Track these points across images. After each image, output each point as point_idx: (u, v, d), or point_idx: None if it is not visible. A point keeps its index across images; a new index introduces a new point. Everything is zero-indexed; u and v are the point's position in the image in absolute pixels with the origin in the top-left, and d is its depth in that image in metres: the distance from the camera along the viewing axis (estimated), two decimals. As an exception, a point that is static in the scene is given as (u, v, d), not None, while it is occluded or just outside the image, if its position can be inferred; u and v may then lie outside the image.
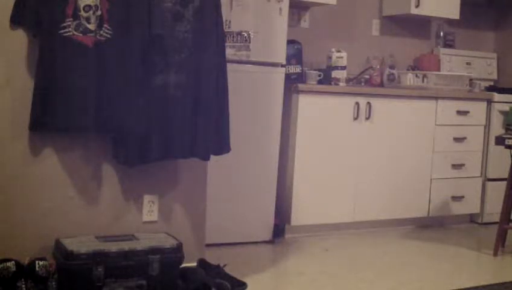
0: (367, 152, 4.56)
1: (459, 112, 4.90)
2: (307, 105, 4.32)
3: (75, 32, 2.86)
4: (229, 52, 3.80)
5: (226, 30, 3.77)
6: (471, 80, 5.15)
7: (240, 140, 3.86)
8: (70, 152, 3.03)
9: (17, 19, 2.84)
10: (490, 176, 5.05)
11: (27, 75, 2.89)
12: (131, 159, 3.05)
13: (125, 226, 3.18)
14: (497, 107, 5.01)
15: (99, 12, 2.89)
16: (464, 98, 4.93)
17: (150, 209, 3.25)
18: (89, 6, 2.87)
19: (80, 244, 2.89)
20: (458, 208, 4.98)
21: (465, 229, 5.00)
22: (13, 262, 2.81)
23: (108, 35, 2.92)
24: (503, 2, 5.68)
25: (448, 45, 5.57)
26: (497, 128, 4.97)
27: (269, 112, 4.16)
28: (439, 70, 5.35)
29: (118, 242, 2.97)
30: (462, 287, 3.53)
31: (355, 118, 4.49)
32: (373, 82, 5.00)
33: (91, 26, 2.88)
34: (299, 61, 4.49)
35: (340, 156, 4.46)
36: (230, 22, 3.95)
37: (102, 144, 3.09)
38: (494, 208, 4.86)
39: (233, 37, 3.97)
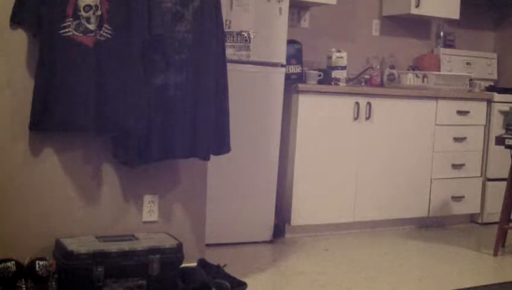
0: (367, 152, 4.56)
1: (459, 112, 4.90)
2: (307, 105, 4.32)
3: (75, 32, 2.86)
4: (229, 52, 3.80)
5: (226, 30, 3.77)
6: (471, 80, 5.14)
7: (240, 140, 3.86)
8: (70, 152, 3.03)
9: (17, 19, 2.84)
10: (490, 176, 5.05)
11: (27, 75, 2.89)
12: (132, 159, 3.05)
13: (125, 226, 3.18)
14: (497, 107, 5.01)
15: (99, 12, 2.89)
16: (464, 98, 4.93)
17: (150, 209, 3.25)
18: (89, 6, 2.87)
19: (80, 244, 2.89)
20: (458, 208, 4.98)
21: (465, 229, 5.00)
22: (13, 262, 2.81)
23: (108, 35, 2.92)
24: (503, 2, 5.68)
25: (448, 45, 5.57)
26: (497, 128, 4.97)
27: (269, 112, 4.16)
28: (439, 70, 5.35)
29: (118, 242, 2.97)
30: (462, 287, 3.54)
31: (355, 118, 4.49)
32: (373, 82, 5.01)
33: (91, 26, 2.88)
34: (299, 61, 4.48)
35: (340, 156, 4.46)
36: (230, 22, 3.95)
37: (103, 144, 3.09)
38: (494, 208, 4.86)
39: (233, 37, 3.97)
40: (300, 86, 4.30)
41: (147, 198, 3.25)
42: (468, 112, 4.94)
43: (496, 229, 4.25)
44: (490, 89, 5.28)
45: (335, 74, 4.52)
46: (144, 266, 2.93)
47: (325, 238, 4.43)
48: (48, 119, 2.86)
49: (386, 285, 3.53)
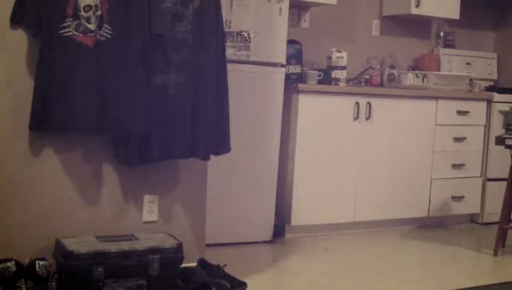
0: (367, 152, 4.56)
1: (459, 112, 4.90)
2: (307, 105, 4.32)
3: (75, 32, 2.86)
4: (229, 52, 3.80)
5: (226, 30, 3.77)
6: (471, 80, 5.15)
7: (240, 140, 3.85)
8: (70, 152, 3.03)
9: (17, 19, 2.84)
10: (490, 176, 5.05)
11: (27, 75, 2.89)
12: (132, 159, 3.05)
13: (125, 226, 3.18)
14: (497, 107, 5.01)
15: (99, 12, 2.89)
16: (464, 98, 4.93)
17: (150, 209, 3.25)
18: (89, 6, 2.87)
19: (80, 244, 2.89)
20: (458, 208, 4.98)
21: (465, 229, 5.00)
22: (13, 262, 2.81)
23: (109, 35, 2.92)
24: (503, 2, 5.68)
25: (448, 45, 5.57)
26: (497, 128, 4.97)
27: (269, 112, 4.16)
28: (439, 70, 5.35)
29: (118, 242, 2.97)
30: (462, 287, 3.53)
31: (356, 118, 4.49)
32: (373, 82, 5.01)
33: (91, 26, 2.88)
34: (299, 61, 4.49)
35: (340, 156, 4.46)
36: (230, 22, 3.95)
37: (103, 144, 3.09)
38: (494, 208, 4.86)
39: (233, 37, 3.97)
40: (301, 86, 4.30)
41: (147, 198, 3.25)
42: (468, 112, 4.94)
43: (496, 229, 4.25)
44: (490, 89, 5.28)
45: (335, 74, 4.52)
46: (144, 266, 2.93)
47: (325, 238, 4.43)
48: (47, 119, 2.86)
49: (386, 285, 3.53)
